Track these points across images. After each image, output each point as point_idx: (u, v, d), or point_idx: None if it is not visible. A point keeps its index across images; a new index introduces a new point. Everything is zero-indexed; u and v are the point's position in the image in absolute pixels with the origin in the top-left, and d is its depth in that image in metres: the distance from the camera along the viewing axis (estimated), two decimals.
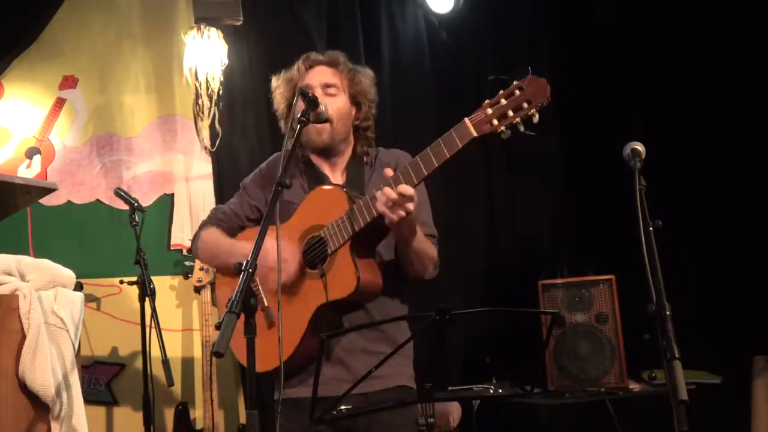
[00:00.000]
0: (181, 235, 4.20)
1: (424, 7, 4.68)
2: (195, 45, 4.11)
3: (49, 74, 4.19)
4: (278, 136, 2.49)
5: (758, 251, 3.94)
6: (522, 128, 1.95)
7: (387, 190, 2.01)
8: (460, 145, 1.98)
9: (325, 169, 2.40)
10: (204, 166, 4.27)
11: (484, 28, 4.83)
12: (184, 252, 4.17)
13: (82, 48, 4.24)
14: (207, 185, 4.25)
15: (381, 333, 2.25)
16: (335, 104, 2.33)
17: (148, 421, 3.46)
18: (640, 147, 1.98)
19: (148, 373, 3.47)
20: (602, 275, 3.96)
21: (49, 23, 4.15)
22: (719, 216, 4.09)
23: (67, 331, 2.23)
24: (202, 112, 4.19)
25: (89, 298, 3.96)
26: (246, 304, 1.69)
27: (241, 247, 2.31)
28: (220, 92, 4.19)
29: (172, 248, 4.20)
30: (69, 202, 4.14)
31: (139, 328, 3.56)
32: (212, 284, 3.87)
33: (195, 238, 2.50)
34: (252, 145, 4.25)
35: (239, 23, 4.15)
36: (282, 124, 2.48)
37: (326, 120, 2.29)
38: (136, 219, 3.59)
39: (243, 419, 3.95)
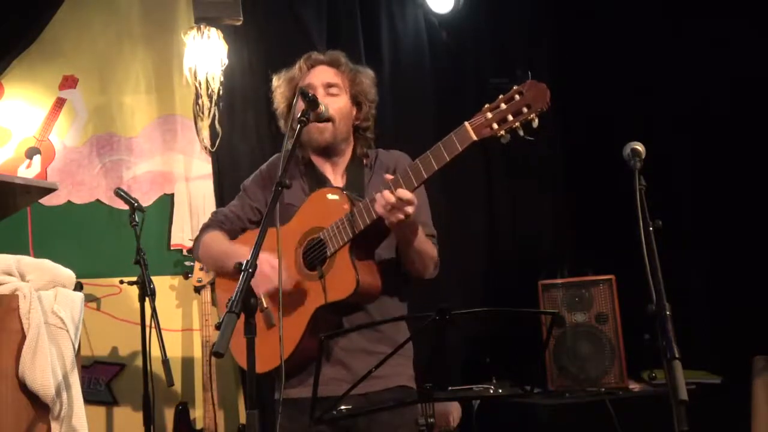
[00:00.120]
0: (181, 235, 4.20)
1: (424, 7, 4.68)
2: (195, 45, 4.12)
3: (49, 74, 4.19)
4: (278, 136, 2.50)
5: (758, 251, 3.94)
6: (521, 133, 1.96)
7: (386, 193, 2.02)
8: (460, 149, 1.99)
9: (326, 170, 2.40)
10: (204, 166, 4.27)
11: (484, 28, 4.83)
12: (184, 252, 4.17)
13: (82, 48, 4.24)
14: (207, 185, 4.25)
15: (381, 333, 2.25)
16: (337, 104, 2.33)
17: (148, 421, 3.46)
18: (640, 147, 1.99)
19: (148, 373, 3.47)
20: (602, 275, 3.96)
21: (49, 23, 4.15)
22: (719, 216, 4.10)
23: (67, 331, 2.23)
24: (202, 112, 4.19)
25: (89, 298, 3.96)
26: (246, 304, 1.69)
27: (241, 250, 2.30)
28: (220, 92, 4.19)
29: (172, 248, 4.20)
30: (69, 202, 4.14)
31: (139, 328, 3.56)
32: (212, 284, 3.87)
33: (196, 242, 2.50)
34: (252, 145, 4.25)
35: (239, 23, 4.15)
36: (282, 123, 2.48)
37: (328, 119, 2.29)
38: (136, 219, 3.59)
39: (243, 419, 3.95)
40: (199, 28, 4.11)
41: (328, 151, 2.38)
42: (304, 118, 2.11)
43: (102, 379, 4.00)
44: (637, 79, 4.41)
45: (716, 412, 3.49)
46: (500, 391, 3.75)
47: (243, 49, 4.30)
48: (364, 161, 2.41)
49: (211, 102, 4.18)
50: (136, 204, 3.62)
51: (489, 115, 1.97)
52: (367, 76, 2.43)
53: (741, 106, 4.10)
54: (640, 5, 4.41)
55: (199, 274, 3.94)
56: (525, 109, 1.94)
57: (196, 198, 4.24)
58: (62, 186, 4.05)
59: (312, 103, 2.15)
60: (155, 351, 3.26)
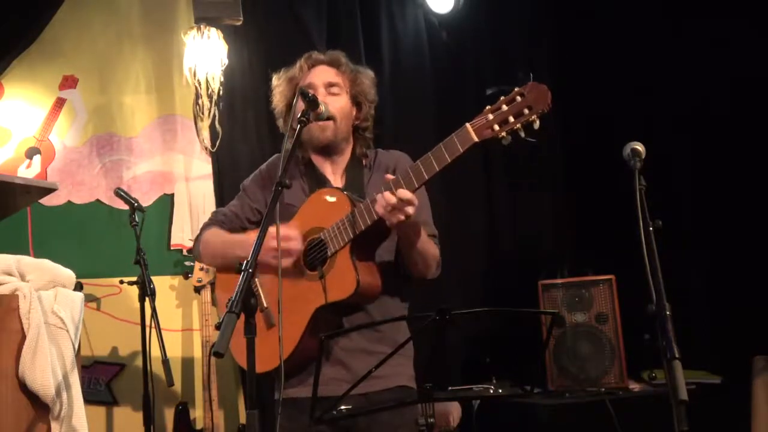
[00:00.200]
0: (181, 235, 4.21)
1: (424, 7, 4.68)
2: (195, 45, 4.11)
3: (49, 74, 4.19)
4: (278, 136, 2.50)
5: (758, 251, 3.94)
6: (523, 134, 1.96)
7: (387, 194, 2.02)
8: (461, 150, 2.00)
9: (326, 169, 2.40)
10: (204, 166, 4.27)
11: (484, 28, 4.83)
12: (184, 252, 4.17)
13: (82, 48, 4.24)
14: (207, 185, 4.25)
15: (381, 333, 2.25)
16: (338, 103, 2.34)
17: (148, 421, 3.46)
18: (640, 147, 1.99)
19: (148, 373, 3.47)
20: (602, 275, 3.95)
21: (49, 23, 4.15)
22: (719, 216, 4.10)
23: (67, 331, 2.23)
24: (202, 112, 4.19)
25: (89, 298, 3.96)
26: (246, 304, 1.69)
27: (243, 240, 2.30)
28: (220, 92, 4.19)
29: (172, 248, 4.20)
30: (69, 202, 4.14)
31: (139, 328, 3.56)
32: (212, 284, 3.87)
33: (196, 242, 2.50)
34: (252, 145, 4.25)
35: (239, 23, 4.15)
36: (280, 122, 2.49)
37: (329, 118, 2.29)
38: (136, 219, 3.59)
39: (243, 419, 3.95)
40: (199, 28, 4.11)
41: (329, 150, 2.39)
42: (304, 118, 2.11)
43: (102, 379, 4.00)
44: (637, 79, 4.41)
45: (716, 412, 3.49)
46: (500, 391, 3.75)
47: (243, 49, 4.30)
48: (364, 161, 2.42)
49: (211, 102, 4.18)
50: (136, 204, 3.62)
51: (490, 116, 1.98)
52: (367, 76, 2.44)
53: (741, 106, 4.10)
54: (640, 5, 4.41)
55: (199, 274, 3.94)
56: (526, 111, 1.94)
57: (196, 198, 4.24)
58: (62, 186, 4.04)
59: (312, 103, 2.15)
60: (155, 351, 3.26)
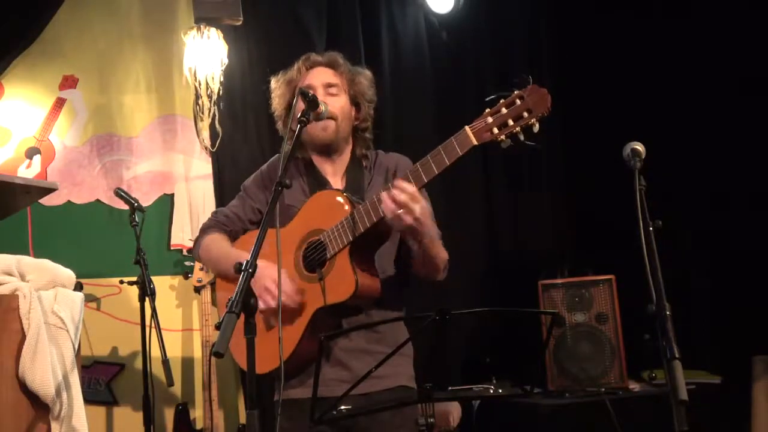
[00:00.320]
0: (181, 235, 4.21)
1: (424, 7, 4.68)
2: (195, 45, 4.12)
3: (49, 74, 4.19)
4: (278, 136, 2.50)
5: (758, 251, 3.94)
6: (522, 137, 1.96)
7: (394, 192, 2.01)
8: (461, 153, 1.99)
9: (326, 170, 2.40)
10: (204, 166, 4.27)
11: (484, 28, 4.82)
12: (184, 252, 4.17)
13: (82, 48, 4.25)
14: (207, 185, 4.25)
15: (380, 334, 2.25)
16: (338, 103, 2.34)
17: (148, 421, 3.46)
18: (640, 147, 1.99)
19: (148, 373, 3.47)
20: (602, 275, 3.95)
21: (49, 23, 4.16)
22: (719, 216, 4.09)
23: (67, 331, 2.23)
24: (202, 112, 4.19)
25: (89, 298, 3.96)
26: (246, 305, 1.69)
27: (241, 254, 2.29)
28: (220, 92, 4.19)
29: (172, 248, 4.20)
30: (69, 202, 4.14)
31: (139, 328, 3.57)
32: (212, 284, 3.87)
33: (196, 243, 2.50)
34: (252, 145, 4.25)
35: (239, 23, 4.15)
36: (280, 125, 2.49)
37: (330, 117, 2.29)
38: (136, 219, 3.59)
39: (243, 419, 3.95)
40: (199, 28, 4.11)
41: (329, 150, 2.38)
42: (304, 119, 2.11)
43: (102, 379, 4.00)
44: (637, 79, 4.41)
45: (716, 412, 3.49)
46: (500, 391, 3.75)
47: (243, 49, 4.31)
48: (364, 163, 2.42)
49: (211, 102, 4.18)
50: (136, 204, 3.62)
51: (489, 119, 1.98)
52: (365, 76, 2.44)
53: (741, 106, 4.10)
54: (640, 5, 4.40)
55: (199, 274, 3.94)
56: (526, 114, 1.94)
57: (196, 198, 4.24)
58: (62, 186, 4.05)
59: (312, 102, 2.15)
60: (155, 351, 3.26)
